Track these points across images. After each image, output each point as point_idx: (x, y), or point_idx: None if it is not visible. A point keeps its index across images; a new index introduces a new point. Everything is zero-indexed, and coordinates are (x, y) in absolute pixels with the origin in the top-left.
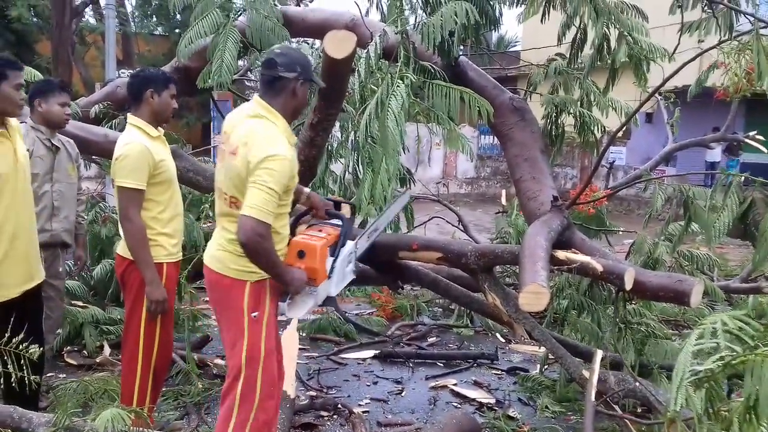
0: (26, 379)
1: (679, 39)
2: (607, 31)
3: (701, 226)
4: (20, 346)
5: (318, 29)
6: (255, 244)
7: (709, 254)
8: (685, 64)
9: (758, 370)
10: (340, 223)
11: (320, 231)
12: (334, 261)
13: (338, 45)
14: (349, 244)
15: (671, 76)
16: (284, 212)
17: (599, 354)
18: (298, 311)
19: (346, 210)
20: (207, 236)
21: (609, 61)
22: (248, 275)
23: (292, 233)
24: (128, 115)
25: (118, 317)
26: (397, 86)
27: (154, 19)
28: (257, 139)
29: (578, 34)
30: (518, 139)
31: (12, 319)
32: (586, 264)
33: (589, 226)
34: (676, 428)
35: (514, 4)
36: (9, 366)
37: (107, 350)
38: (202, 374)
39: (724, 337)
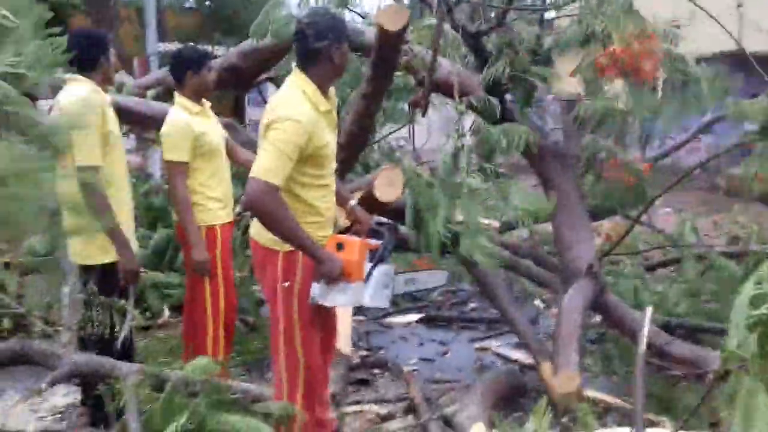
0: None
1: None
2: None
3: None
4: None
5: None
6: (260, 206)
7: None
8: None
9: None
10: (381, 240)
11: (361, 237)
12: (373, 267)
13: (392, 18)
14: (390, 266)
15: None
16: (318, 183)
17: (649, 311)
18: (326, 300)
19: (388, 229)
20: None
21: None
22: (280, 245)
23: None
24: (175, 93)
25: (177, 282)
26: None
27: None
28: (276, 104)
29: None
30: (559, 186)
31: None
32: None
33: (628, 200)
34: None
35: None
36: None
37: (167, 312)
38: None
39: None
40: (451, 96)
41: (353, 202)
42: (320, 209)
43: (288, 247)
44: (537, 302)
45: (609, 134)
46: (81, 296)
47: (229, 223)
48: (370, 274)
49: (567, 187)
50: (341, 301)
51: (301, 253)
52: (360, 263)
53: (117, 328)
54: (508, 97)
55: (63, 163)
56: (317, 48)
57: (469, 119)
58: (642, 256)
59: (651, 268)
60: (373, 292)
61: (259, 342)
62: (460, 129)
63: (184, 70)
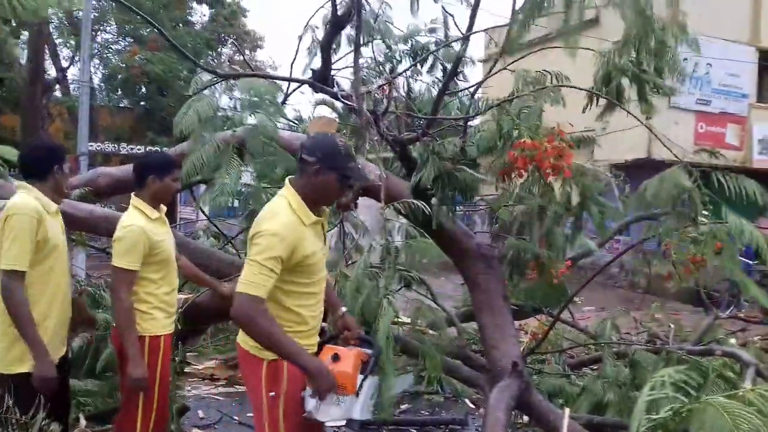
0: None
1: None
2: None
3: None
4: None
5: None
6: (244, 318)
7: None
8: None
9: (700, 416)
10: (370, 350)
11: (352, 348)
12: (364, 379)
13: (321, 128)
14: (376, 378)
15: None
16: (305, 291)
17: (567, 411)
18: (321, 415)
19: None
20: None
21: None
22: (264, 353)
23: (320, 350)
24: (132, 195)
25: (95, 389)
26: None
27: (120, 92)
28: (262, 216)
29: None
30: (483, 286)
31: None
32: None
33: (551, 298)
34: None
35: None
36: None
37: (83, 422)
38: None
39: (672, 388)
40: (379, 200)
41: (344, 308)
42: (306, 318)
43: (272, 356)
44: (467, 402)
45: (532, 235)
46: None
47: (170, 333)
48: (360, 386)
49: (491, 286)
50: (336, 415)
51: (285, 363)
52: (355, 377)
53: None
54: (434, 201)
55: None
56: (305, 160)
57: (398, 222)
58: (567, 353)
59: (576, 366)
60: (362, 406)
61: None
62: (388, 232)
63: (147, 174)
